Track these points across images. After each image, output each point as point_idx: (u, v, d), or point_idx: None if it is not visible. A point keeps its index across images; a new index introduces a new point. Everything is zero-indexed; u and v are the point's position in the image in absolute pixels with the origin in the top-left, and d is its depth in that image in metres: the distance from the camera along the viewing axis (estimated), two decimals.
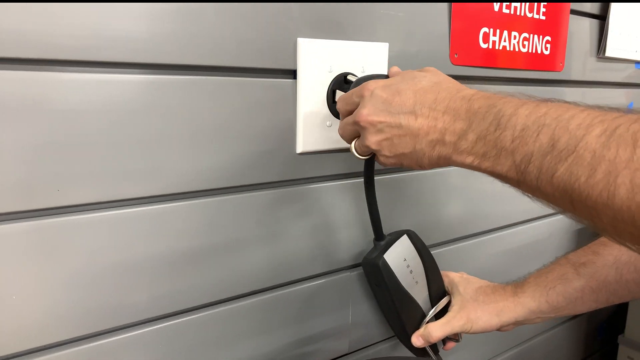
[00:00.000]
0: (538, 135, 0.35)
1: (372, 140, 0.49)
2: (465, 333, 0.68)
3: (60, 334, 0.49)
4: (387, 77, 0.57)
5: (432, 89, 0.46)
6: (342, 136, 0.55)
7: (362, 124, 0.49)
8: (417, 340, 0.67)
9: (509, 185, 0.41)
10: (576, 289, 0.66)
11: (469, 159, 0.42)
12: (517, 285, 0.70)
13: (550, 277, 0.68)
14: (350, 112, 0.52)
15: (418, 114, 0.44)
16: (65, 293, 0.49)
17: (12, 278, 0.46)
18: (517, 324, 0.69)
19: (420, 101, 0.45)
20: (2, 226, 0.45)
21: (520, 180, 0.38)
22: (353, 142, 0.53)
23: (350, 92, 0.53)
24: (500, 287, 0.71)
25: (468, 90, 0.45)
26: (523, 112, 0.37)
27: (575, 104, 0.37)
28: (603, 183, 0.31)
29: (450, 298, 0.72)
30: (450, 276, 0.73)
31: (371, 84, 0.49)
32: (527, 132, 0.36)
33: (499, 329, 0.68)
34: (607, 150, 0.31)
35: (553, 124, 0.35)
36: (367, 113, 0.48)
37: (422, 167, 0.48)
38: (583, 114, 0.34)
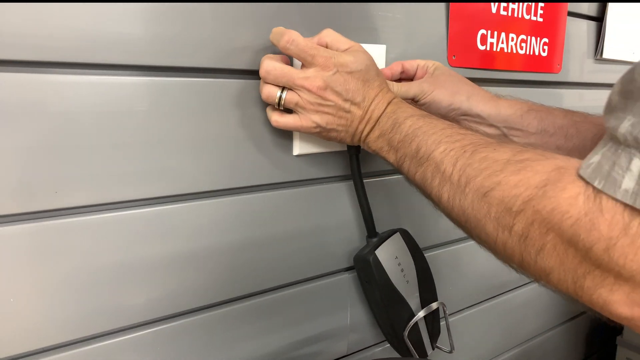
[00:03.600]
0: (411, 142, 0.49)
1: (313, 111, 0.51)
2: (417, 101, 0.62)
3: (58, 336, 0.49)
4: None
5: (376, 84, 0.52)
6: (267, 74, 0.51)
7: (313, 91, 0.50)
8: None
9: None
10: (560, 125, 0.62)
11: (372, 147, 0.54)
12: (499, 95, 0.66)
13: (541, 106, 0.64)
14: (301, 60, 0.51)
15: (361, 107, 0.52)
16: (63, 295, 0.49)
17: (10, 280, 0.46)
18: (472, 115, 0.63)
19: (368, 95, 0.52)
20: (0, 228, 0.45)
21: (399, 170, 0.51)
22: (282, 92, 0.51)
23: (312, 47, 0.50)
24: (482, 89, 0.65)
25: (390, 92, 0.54)
26: (408, 123, 0.50)
27: (443, 122, 0.49)
28: (437, 188, 0.45)
29: (443, 304, 0.71)
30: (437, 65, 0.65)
31: (334, 58, 0.50)
32: (407, 138, 0.49)
33: (449, 105, 0.62)
34: (442, 165, 0.44)
35: (420, 136, 0.48)
36: (323, 86, 0.50)
37: (337, 142, 0.56)
38: (439, 132, 0.47)
